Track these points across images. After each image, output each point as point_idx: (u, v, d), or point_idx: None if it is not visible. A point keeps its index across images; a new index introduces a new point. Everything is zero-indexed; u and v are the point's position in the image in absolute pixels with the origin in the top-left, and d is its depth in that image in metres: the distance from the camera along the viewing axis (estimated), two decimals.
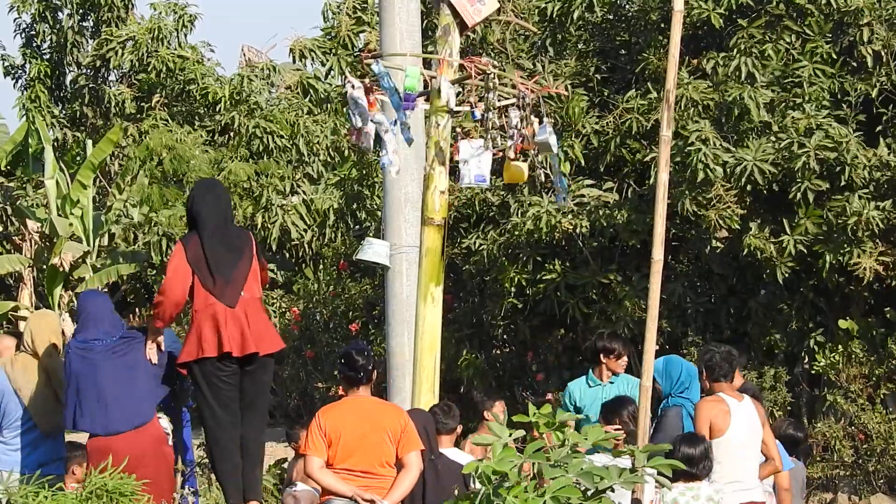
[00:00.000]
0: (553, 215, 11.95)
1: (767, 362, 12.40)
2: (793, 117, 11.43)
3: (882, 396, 12.22)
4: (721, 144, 11.42)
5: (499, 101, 8.17)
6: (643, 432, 6.59)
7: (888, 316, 12.23)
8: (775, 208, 11.71)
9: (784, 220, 11.52)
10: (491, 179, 8.78)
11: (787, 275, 11.62)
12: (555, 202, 12.11)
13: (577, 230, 12.05)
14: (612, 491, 5.17)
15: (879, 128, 12.02)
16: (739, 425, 7.62)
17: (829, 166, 11.24)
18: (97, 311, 7.52)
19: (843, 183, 11.25)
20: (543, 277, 12.60)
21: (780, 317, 12.29)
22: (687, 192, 11.37)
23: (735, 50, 11.91)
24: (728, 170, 11.31)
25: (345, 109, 15.17)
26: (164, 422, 8.30)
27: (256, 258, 7.48)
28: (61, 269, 17.20)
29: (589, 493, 4.98)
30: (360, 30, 16.90)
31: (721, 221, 11.36)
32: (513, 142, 8.15)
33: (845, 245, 11.24)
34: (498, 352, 14.28)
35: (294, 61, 18.67)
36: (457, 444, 8.19)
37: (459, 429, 8.15)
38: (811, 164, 11.11)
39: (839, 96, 12.06)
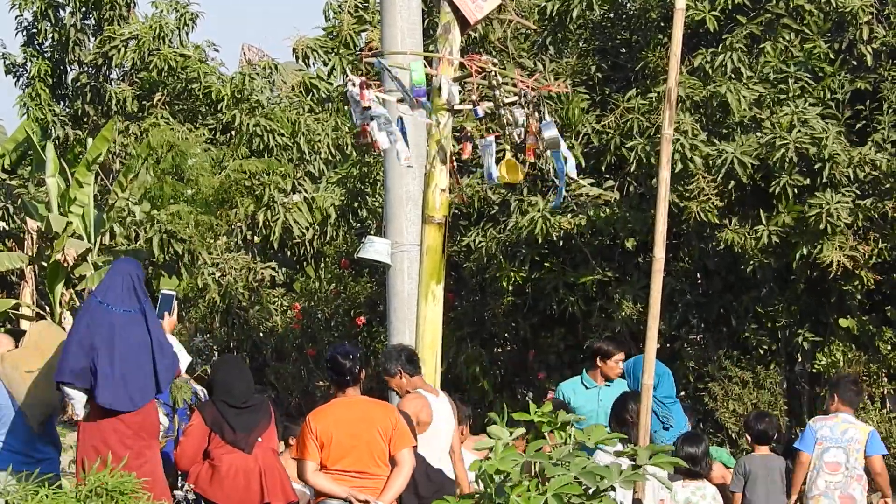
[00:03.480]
0: (548, 219, 11.95)
1: (765, 360, 12.41)
2: (782, 113, 11.41)
3: (881, 395, 12.22)
4: (702, 138, 11.42)
5: (505, 98, 8.16)
6: (644, 431, 6.60)
7: (889, 315, 12.23)
8: (759, 202, 11.71)
9: (762, 213, 11.53)
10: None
11: (760, 267, 11.60)
12: (552, 202, 12.10)
13: (577, 229, 12.05)
14: (614, 490, 5.17)
15: (861, 124, 12.02)
16: (440, 419, 7.90)
17: (810, 162, 11.23)
18: (118, 284, 7.43)
19: (823, 179, 11.24)
20: (542, 276, 12.60)
21: (774, 314, 12.29)
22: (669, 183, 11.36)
23: (721, 46, 11.91)
24: (710, 161, 11.32)
25: (346, 108, 15.19)
26: (163, 417, 8.31)
27: (275, 426, 8.06)
28: (64, 264, 17.20)
29: (590, 491, 4.98)
30: (362, 28, 16.90)
31: (701, 214, 11.36)
32: (521, 139, 8.14)
33: (815, 238, 11.24)
34: (499, 350, 14.28)
35: (297, 60, 18.67)
36: None
37: (464, 429, 8.15)
38: (789, 156, 11.09)
39: (833, 93, 12.04)
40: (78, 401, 7.21)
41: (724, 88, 11.53)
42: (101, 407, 7.20)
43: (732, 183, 11.41)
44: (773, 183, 11.33)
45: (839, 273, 11.26)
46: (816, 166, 11.20)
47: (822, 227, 11.07)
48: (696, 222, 11.49)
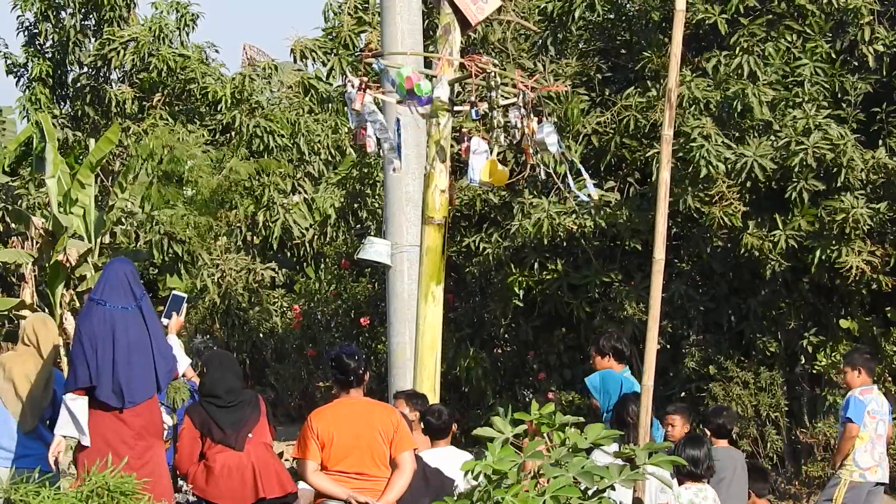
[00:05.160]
0: (554, 218, 11.94)
1: (767, 361, 12.40)
2: (793, 116, 11.42)
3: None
4: (723, 141, 11.43)
5: (502, 100, 8.16)
6: (644, 431, 6.60)
7: (889, 315, 12.22)
8: (774, 206, 11.71)
9: (778, 217, 11.52)
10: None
11: (777, 270, 11.62)
12: (571, 201, 12.08)
13: (580, 230, 12.03)
14: (613, 490, 5.16)
15: (876, 127, 12.02)
16: None
17: (827, 167, 11.24)
18: (114, 281, 7.40)
19: (839, 184, 11.25)
20: (546, 277, 12.58)
21: (778, 316, 12.28)
22: (689, 188, 11.37)
23: (737, 48, 11.90)
24: (729, 166, 11.32)
25: (346, 109, 15.19)
26: (166, 417, 8.32)
27: (266, 419, 8.09)
28: (66, 264, 17.20)
29: (589, 492, 4.97)
30: (362, 30, 16.91)
31: (724, 219, 11.36)
32: (516, 141, 8.14)
33: (834, 243, 11.25)
34: (499, 351, 14.26)
35: (295, 61, 18.70)
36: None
37: (455, 427, 8.14)
38: (808, 161, 11.10)
39: (839, 95, 12.05)
40: (80, 418, 7.17)
41: (750, 91, 11.52)
42: (102, 405, 7.18)
43: (749, 185, 11.41)
44: (790, 188, 11.32)
45: (857, 278, 11.27)
46: (833, 171, 11.21)
47: (846, 231, 11.10)
48: (717, 226, 11.48)
